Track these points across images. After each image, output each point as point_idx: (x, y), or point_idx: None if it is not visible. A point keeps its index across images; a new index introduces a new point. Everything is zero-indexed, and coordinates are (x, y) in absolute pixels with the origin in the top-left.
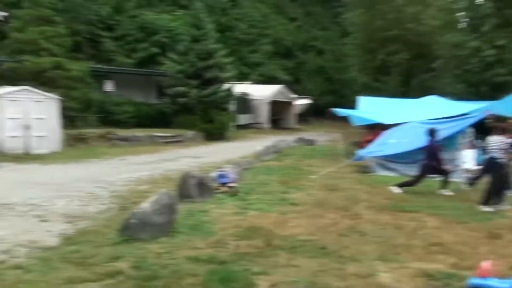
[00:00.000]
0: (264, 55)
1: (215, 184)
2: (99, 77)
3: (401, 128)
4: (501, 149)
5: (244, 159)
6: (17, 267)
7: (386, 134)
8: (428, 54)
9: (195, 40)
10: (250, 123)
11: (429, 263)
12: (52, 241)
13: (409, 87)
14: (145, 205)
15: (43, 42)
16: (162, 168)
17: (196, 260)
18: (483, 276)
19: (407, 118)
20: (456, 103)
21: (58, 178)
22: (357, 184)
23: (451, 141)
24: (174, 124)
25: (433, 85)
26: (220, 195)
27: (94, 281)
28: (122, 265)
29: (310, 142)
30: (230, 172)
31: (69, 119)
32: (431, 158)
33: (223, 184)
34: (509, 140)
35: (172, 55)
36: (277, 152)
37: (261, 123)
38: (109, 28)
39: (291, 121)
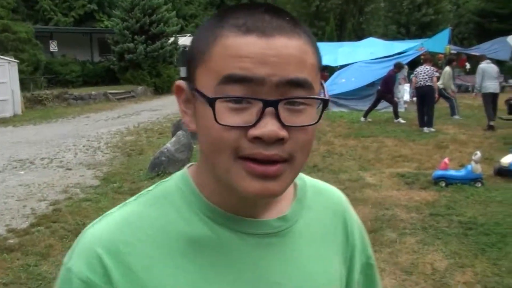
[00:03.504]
0: (199, 6)
1: None
2: (42, 38)
3: (349, 68)
4: (431, 77)
5: None
6: (87, 200)
7: (336, 75)
8: None
9: None
10: None
11: (398, 168)
12: (94, 182)
13: (343, 31)
14: (168, 145)
15: None
16: (131, 121)
17: None
18: (444, 168)
19: (352, 59)
20: (391, 43)
21: (44, 136)
22: None
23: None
24: (122, 80)
25: (367, 28)
26: None
27: None
28: None
29: None
30: None
31: (20, 82)
32: (388, 87)
33: None
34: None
35: (116, 12)
36: None
37: None
38: None
39: None
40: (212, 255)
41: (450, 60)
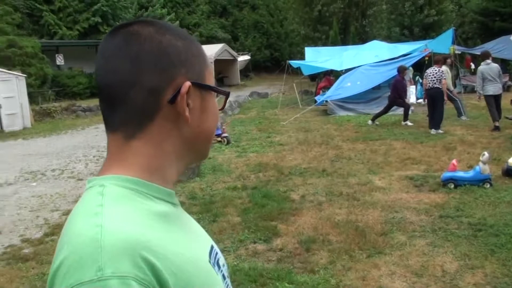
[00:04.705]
0: (202, 15)
1: None
2: (48, 52)
3: (354, 72)
4: (439, 79)
5: None
6: None
7: (341, 79)
8: (363, 1)
9: (143, 7)
10: None
11: (407, 171)
12: None
13: (347, 35)
14: None
15: None
16: None
17: (234, 188)
18: (452, 170)
19: (357, 63)
20: (396, 45)
21: (54, 148)
22: (324, 124)
23: None
24: None
25: (370, 30)
26: (216, 145)
27: None
28: (180, 198)
29: (264, 95)
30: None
31: (29, 95)
32: (397, 92)
33: (217, 135)
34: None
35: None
36: (238, 106)
37: None
38: (47, 1)
39: (236, 77)
40: (173, 223)
41: (445, 58)
